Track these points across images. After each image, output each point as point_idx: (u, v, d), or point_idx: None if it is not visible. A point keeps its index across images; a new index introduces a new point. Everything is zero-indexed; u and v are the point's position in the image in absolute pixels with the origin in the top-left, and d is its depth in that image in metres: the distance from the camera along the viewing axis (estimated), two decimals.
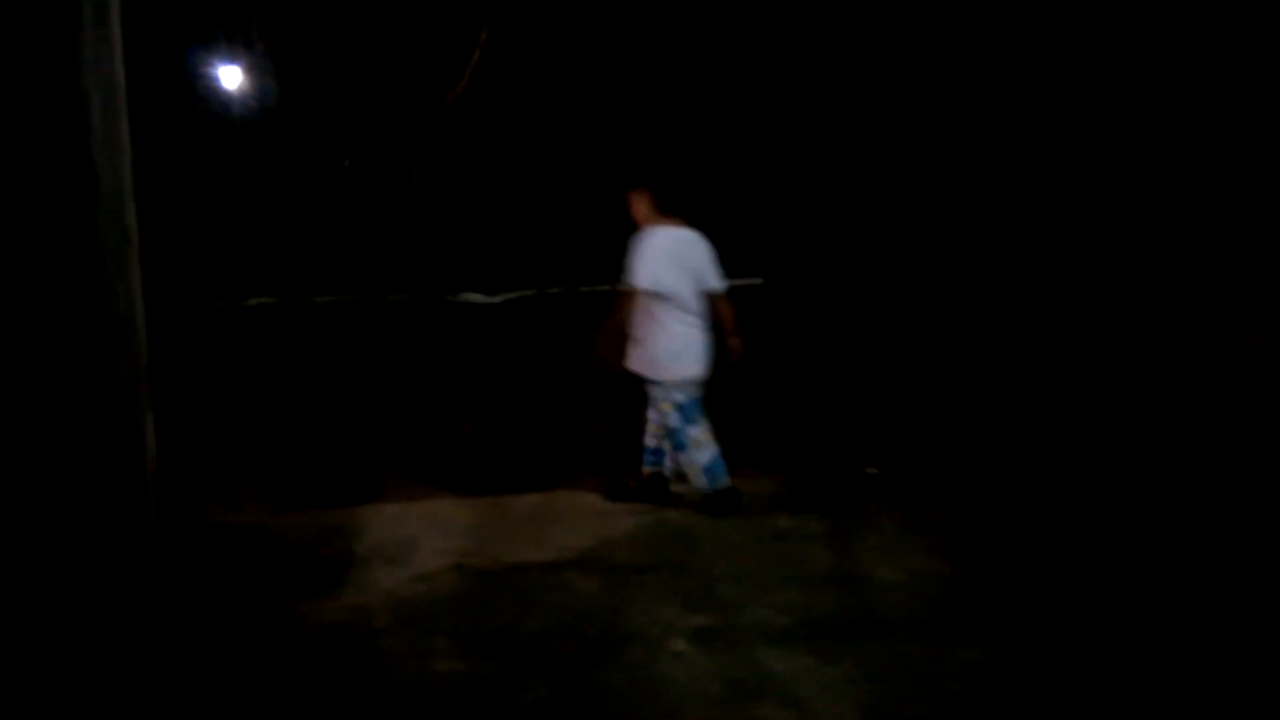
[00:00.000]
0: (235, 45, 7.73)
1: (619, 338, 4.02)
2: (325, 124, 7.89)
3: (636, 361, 4.04)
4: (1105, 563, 3.49)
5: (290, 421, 5.19)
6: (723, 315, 4.07)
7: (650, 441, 4.17)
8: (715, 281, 4.07)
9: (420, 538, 3.76)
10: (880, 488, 4.36)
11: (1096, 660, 2.83)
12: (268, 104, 7.82)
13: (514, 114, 7.87)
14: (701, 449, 3.99)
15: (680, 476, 4.15)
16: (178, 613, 1.73)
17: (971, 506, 4.09)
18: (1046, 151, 6.08)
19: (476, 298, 7.17)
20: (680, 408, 3.97)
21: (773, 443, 4.95)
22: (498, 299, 7.20)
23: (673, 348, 3.96)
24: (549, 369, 5.70)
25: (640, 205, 4.06)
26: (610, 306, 4.10)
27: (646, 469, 4.20)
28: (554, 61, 7.74)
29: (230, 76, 7.73)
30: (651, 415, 4.12)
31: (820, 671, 2.76)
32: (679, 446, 4.04)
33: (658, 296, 3.94)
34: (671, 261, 3.96)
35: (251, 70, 7.79)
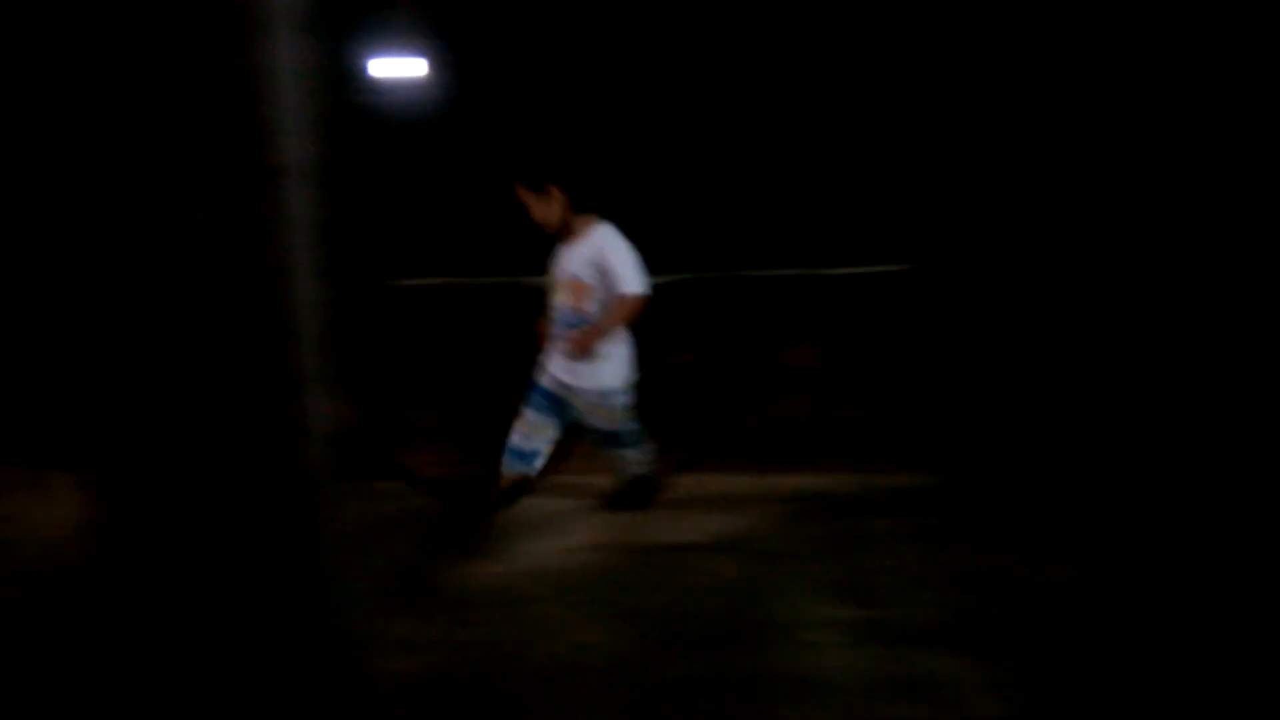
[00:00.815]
0: (414, 36, 8.09)
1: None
2: (488, 115, 8.16)
3: (608, 375, 3.74)
4: (1243, 576, 3.22)
5: (449, 394, 5.43)
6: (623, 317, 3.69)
7: (527, 443, 3.86)
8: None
9: (563, 513, 3.87)
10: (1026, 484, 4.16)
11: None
12: (438, 96, 8.16)
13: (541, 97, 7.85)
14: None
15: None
16: (353, 567, 1.87)
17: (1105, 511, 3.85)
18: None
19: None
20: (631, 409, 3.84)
21: (918, 438, 4.80)
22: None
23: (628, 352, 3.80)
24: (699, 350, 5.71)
25: (556, 205, 3.70)
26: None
27: (515, 473, 3.89)
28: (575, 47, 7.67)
29: (407, 67, 8.10)
30: (599, 424, 3.84)
31: (975, 673, 2.68)
32: (633, 445, 3.90)
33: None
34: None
35: (429, 62, 8.14)
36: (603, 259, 3.62)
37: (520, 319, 6.69)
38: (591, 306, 3.65)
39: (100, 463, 1.71)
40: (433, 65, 8.11)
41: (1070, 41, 6.36)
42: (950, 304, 6.52)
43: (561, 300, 3.73)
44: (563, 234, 3.73)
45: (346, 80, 8.04)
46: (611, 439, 3.86)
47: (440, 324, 6.78)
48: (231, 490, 1.66)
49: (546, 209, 3.69)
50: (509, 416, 3.92)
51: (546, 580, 3.29)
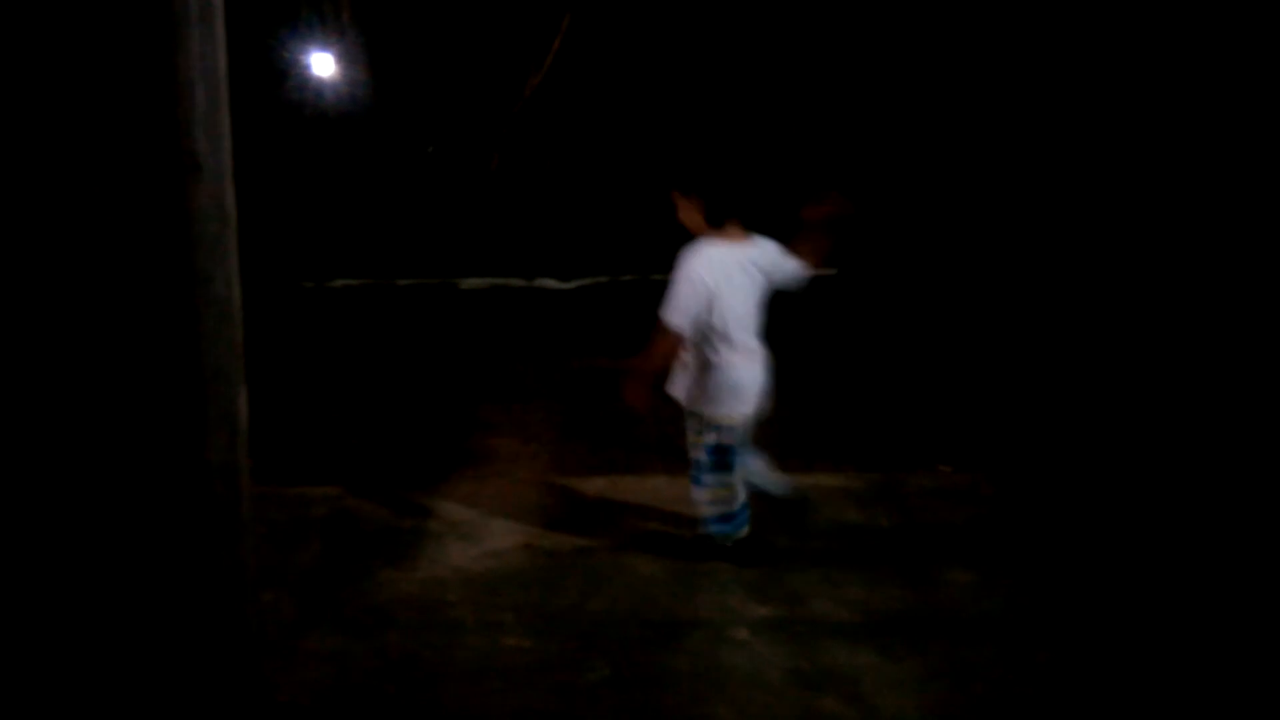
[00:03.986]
0: (327, 32, 7.97)
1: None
2: (410, 111, 8.09)
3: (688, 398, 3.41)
4: (1196, 579, 3.39)
5: (369, 399, 5.36)
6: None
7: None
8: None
9: (490, 517, 3.86)
10: (953, 485, 4.30)
11: (1164, 669, 2.76)
12: (356, 91, 8.05)
13: (591, 102, 7.94)
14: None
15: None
16: (263, 576, 1.84)
17: (1047, 506, 4.01)
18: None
19: (551, 283, 7.29)
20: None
21: (844, 437, 4.92)
22: (571, 285, 7.30)
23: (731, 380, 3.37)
24: (616, 353, 5.74)
25: (691, 213, 3.35)
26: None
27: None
28: (633, 50, 7.78)
29: (321, 63, 7.98)
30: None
31: (882, 669, 2.76)
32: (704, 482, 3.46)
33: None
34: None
35: (342, 57, 8.02)
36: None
37: (453, 322, 6.68)
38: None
39: None
40: (359, 61, 8.01)
41: (1049, 38, 6.57)
42: (868, 309, 6.69)
43: None
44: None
45: (280, 77, 7.88)
46: (695, 467, 3.45)
47: (368, 325, 6.69)
48: (135, 487, 1.63)
49: (689, 216, 3.34)
50: (434, 420, 3.89)
51: (470, 584, 3.28)
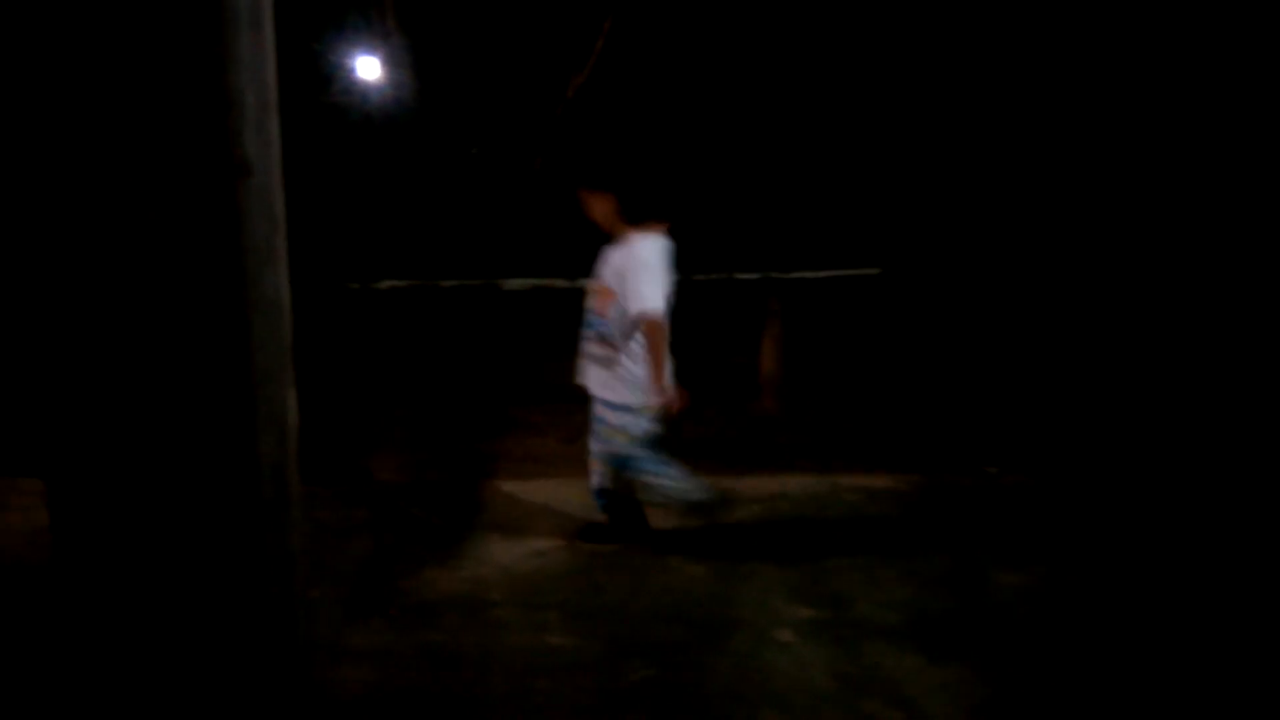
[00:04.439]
0: (372, 35, 8.07)
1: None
2: (454, 113, 8.16)
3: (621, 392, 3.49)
4: (1255, 586, 3.30)
5: (414, 399, 5.42)
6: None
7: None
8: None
9: (534, 516, 3.88)
10: (1000, 486, 4.23)
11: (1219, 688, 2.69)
12: (401, 93, 8.15)
13: (635, 102, 7.95)
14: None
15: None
16: (310, 573, 1.87)
17: (1097, 508, 3.93)
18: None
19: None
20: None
21: (889, 438, 4.86)
22: None
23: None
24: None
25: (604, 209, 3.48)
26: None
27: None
28: (674, 49, 7.77)
29: (367, 67, 8.08)
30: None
31: (928, 672, 2.73)
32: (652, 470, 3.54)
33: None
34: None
35: (387, 60, 8.12)
36: (626, 270, 3.41)
37: (496, 322, 6.72)
38: (612, 313, 3.46)
39: (57, 464, 1.70)
40: (404, 64, 8.10)
41: (1063, 40, 6.47)
42: (914, 308, 6.61)
43: (589, 303, 3.58)
44: (611, 238, 3.57)
45: (326, 80, 8.01)
46: (622, 461, 3.55)
47: (414, 327, 6.77)
48: (187, 489, 1.66)
49: (599, 211, 3.52)
50: (477, 421, 3.92)
51: (513, 583, 3.30)
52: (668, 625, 3.01)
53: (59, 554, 1.71)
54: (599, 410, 3.54)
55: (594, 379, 3.54)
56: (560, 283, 7.43)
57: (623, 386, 3.46)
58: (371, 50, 8.02)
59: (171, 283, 1.67)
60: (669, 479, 3.53)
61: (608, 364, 3.48)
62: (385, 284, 7.50)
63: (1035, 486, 4.19)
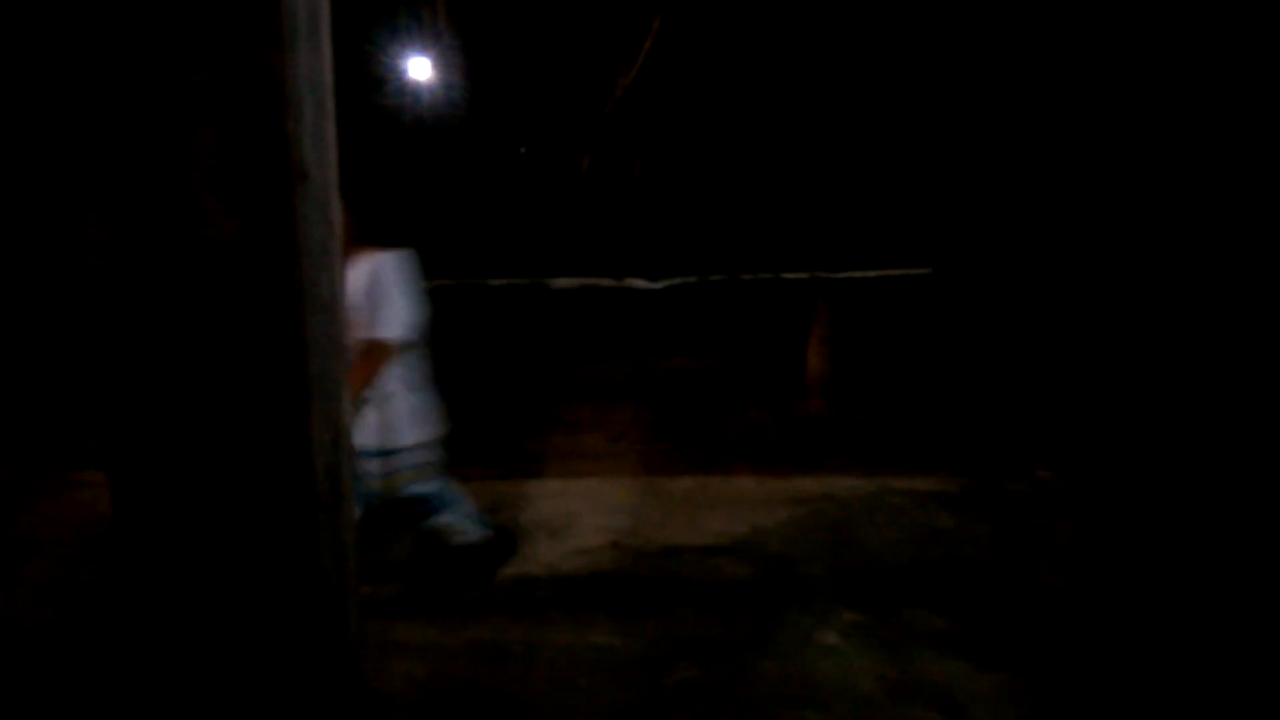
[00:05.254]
0: (424, 37, 8.18)
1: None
2: (503, 113, 8.24)
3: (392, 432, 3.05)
4: None
5: (462, 397, 5.48)
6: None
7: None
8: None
9: (580, 514, 3.91)
10: (1051, 491, 4.16)
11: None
12: (451, 94, 8.24)
13: (682, 102, 7.95)
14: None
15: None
16: (364, 570, 1.91)
17: (1150, 515, 3.84)
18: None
19: (640, 283, 7.32)
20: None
21: (939, 441, 4.81)
22: (660, 284, 7.32)
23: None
24: (704, 354, 5.73)
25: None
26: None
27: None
28: (723, 50, 7.75)
29: (418, 68, 8.19)
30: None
31: (975, 678, 2.69)
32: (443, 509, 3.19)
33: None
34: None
35: (438, 62, 8.22)
36: (373, 291, 2.93)
37: (543, 321, 6.77)
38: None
39: (120, 460, 1.76)
40: (457, 65, 8.19)
41: (1088, 40, 6.34)
42: (965, 308, 6.51)
43: None
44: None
45: (379, 82, 8.13)
46: (433, 504, 3.17)
47: (462, 325, 6.85)
48: (244, 488, 1.71)
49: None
50: (523, 418, 3.96)
51: (559, 581, 3.33)
52: (712, 626, 3.01)
53: (118, 546, 1.77)
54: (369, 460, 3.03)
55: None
56: (607, 281, 7.48)
57: (420, 420, 3.12)
58: (423, 51, 8.12)
59: (232, 286, 1.72)
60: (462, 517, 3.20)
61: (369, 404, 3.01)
62: (434, 282, 7.61)
63: (1087, 491, 4.11)
